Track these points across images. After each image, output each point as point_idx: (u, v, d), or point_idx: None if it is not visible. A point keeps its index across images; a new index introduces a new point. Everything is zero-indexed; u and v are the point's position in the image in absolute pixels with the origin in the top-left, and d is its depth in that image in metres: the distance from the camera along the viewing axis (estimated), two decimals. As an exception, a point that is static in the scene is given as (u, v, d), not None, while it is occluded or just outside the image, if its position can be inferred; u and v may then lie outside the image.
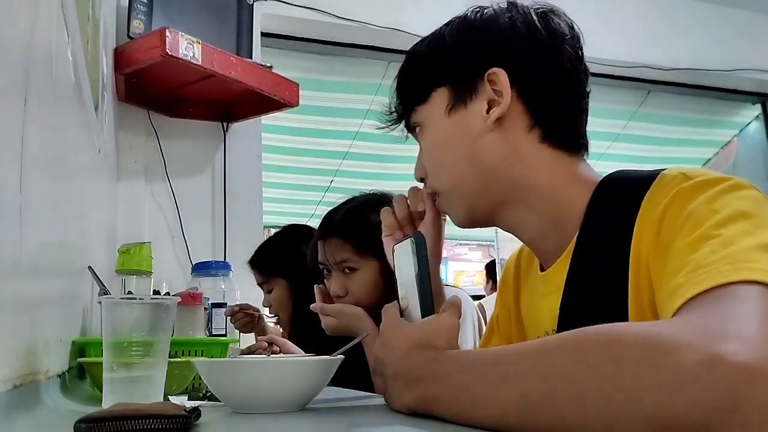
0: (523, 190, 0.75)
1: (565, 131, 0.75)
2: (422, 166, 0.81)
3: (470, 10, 0.77)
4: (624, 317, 0.63)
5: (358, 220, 1.36)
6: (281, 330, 1.81)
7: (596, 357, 0.43)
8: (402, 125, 0.84)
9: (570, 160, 0.75)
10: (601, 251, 0.67)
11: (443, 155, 0.78)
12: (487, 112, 0.73)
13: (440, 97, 0.77)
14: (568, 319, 0.69)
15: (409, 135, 0.85)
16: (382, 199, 1.39)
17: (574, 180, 0.74)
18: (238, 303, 1.74)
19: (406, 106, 0.81)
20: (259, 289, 1.86)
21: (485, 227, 0.81)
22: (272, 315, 1.81)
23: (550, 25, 0.74)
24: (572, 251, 0.71)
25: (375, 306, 1.34)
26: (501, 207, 0.77)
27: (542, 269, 0.78)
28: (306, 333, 1.63)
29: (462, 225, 0.80)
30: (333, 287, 1.37)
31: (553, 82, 0.74)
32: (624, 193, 0.67)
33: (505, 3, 0.76)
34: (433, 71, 0.78)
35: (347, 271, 1.35)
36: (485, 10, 0.76)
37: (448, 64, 0.76)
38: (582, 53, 0.76)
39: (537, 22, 0.74)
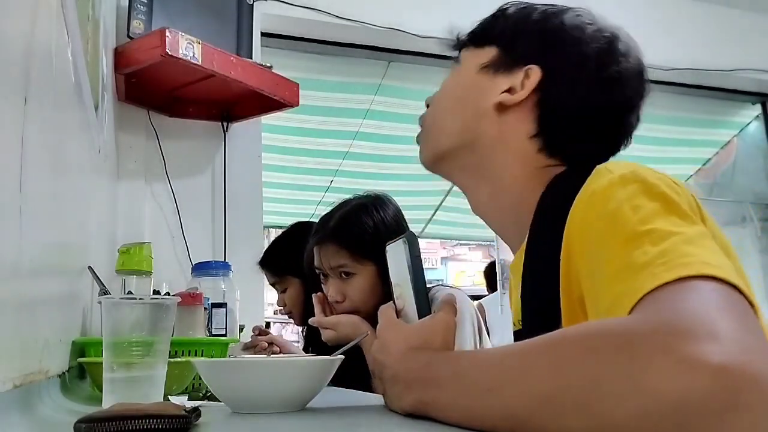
0: (494, 176, 0.76)
1: (568, 154, 0.74)
2: (435, 96, 0.84)
3: (569, 13, 0.77)
4: (558, 314, 0.62)
5: (353, 225, 1.35)
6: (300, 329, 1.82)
7: (574, 373, 0.42)
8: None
9: (557, 165, 0.74)
10: (544, 246, 0.67)
11: (449, 96, 0.81)
12: (502, 93, 0.75)
13: (489, 52, 0.78)
14: (525, 313, 0.69)
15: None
16: (376, 201, 1.39)
17: (543, 174, 0.73)
18: (271, 337, 1.72)
19: (466, 42, 0.83)
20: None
21: (446, 179, 0.84)
22: (287, 313, 1.82)
23: (610, 64, 0.73)
24: (526, 245, 0.71)
25: (374, 310, 1.34)
26: (469, 179, 0.79)
27: None
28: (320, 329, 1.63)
29: (423, 163, 0.83)
30: (331, 293, 1.36)
31: (579, 115, 0.73)
32: (565, 189, 0.66)
33: (582, 17, 0.76)
34: (497, 31, 0.79)
35: (344, 276, 1.35)
36: (584, 21, 0.76)
37: (510, 36, 0.78)
38: (630, 95, 0.75)
39: (603, 59, 0.73)
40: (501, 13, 0.80)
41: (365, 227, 1.35)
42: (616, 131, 0.77)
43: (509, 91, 0.75)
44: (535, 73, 0.73)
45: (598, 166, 0.64)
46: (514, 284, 0.77)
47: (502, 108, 0.75)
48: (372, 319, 1.34)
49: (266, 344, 1.61)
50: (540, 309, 0.65)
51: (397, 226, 1.37)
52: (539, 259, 0.67)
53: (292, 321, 1.85)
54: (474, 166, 0.77)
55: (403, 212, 1.44)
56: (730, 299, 0.44)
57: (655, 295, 0.46)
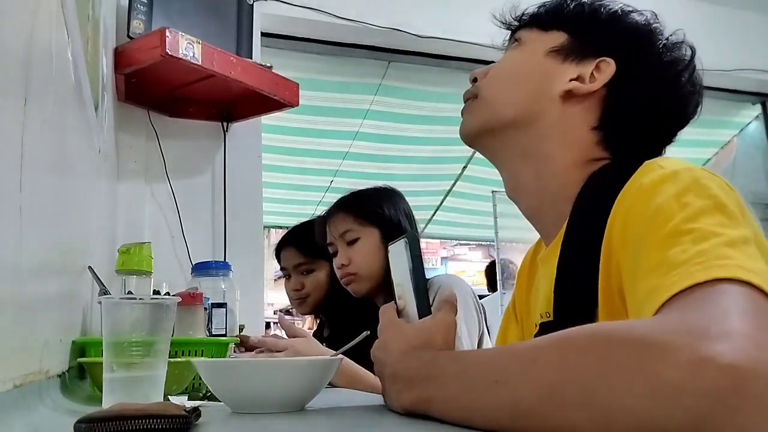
0: (543, 159, 0.76)
1: (623, 150, 0.75)
2: (485, 71, 0.83)
3: (646, 16, 0.78)
4: (596, 306, 0.62)
5: (360, 195, 1.49)
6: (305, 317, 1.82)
7: (584, 365, 0.42)
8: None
9: (604, 159, 0.75)
10: (583, 238, 0.67)
11: (512, 74, 0.79)
12: (570, 81, 0.75)
13: (556, 37, 0.78)
14: (560, 305, 0.69)
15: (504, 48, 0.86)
16: (389, 190, 1.52)
17: (589, 165, 0.74)
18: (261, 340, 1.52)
19: (527, 23, 0.82)
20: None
21: (484, 154, 0.83)
22: (300, 298, 1.79)
23: (683, 78, 0.75)
24: (563, 235, 0.71)
25: (377, 273, 1.42)
26: (514, 157, 0.78)
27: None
28: (342, 317, 1.62)
29: (467, 134, 0.81)
30: (337, 260, 1.47)
31: (643, 118, 0.74)
32: (609, 181, 0.66)
33: (679, 37, 0.78)
34: (568, 17, 0.79)
35: (350, 242, 1.45)
36: (659, 26, 0.78)
37: (586, 23, 0.77)
38: (690, 106, 0.76)
39: (678, 70, 0.75)
40: (571, 1, 0.80)
41: (371, 198, 1.48)
42: (666, 139, 0.78)
43: (578, 79, 0.74)
44: (609, 66, 0.74)
45: (648, 161, 0.64)
46: (543, 274, 0.77)
47: (568, 95, 0.75)
48: (374, 281, 1.41)
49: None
50: (576, 298, 0.65)
51: (403, 218, 1.47)
52: (579, 248, 0.67)
53: (296, 308, 1.85)
54: (523, 146, 0.77)
55: None
56: (758, 305, 0.44)
57: (684, 295, 0.46)
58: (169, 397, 0.81)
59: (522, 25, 0.82)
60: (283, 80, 2.08)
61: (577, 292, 0.66)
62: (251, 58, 2.08)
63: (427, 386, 0.56)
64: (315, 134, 3.43)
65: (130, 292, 1.29)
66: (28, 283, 0.68)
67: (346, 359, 1.14)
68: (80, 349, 0.99)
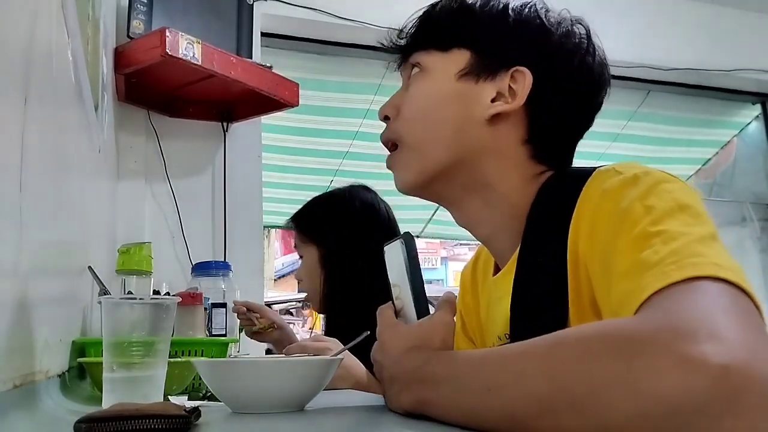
0: (487, 186, 0.73)
1: (557, 156, 0.74)
2: (395, 106, 0.76)
3: (534, 4, 0.73)
4: (566, 318, 0.62)
5: (306, 210, 1.48)
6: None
7: (573, 375, 0.42)
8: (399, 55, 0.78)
9: (547, 171, 0.74)
10: (543, 252, 0.66)
11: (431, 111, 0.73)
12: (492, 101, 0.71)
13: (460, 56, 0.72)
14: (518, 323, 0.68)
15: (397, 69, 0.79)
16: (346, 191, 1.47)
17: (535, 179, 0.72)
18: (247, 303, 1.54)
19: (421, 42, 0.76)
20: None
21: (427, 200, 0.78)
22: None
23: (589, 59, 0.72)
24: (518, 253, 0.70)
25: (317, 293, 1.41)
26: (460, 193, 0.74)
27: (497, 271, 0.77)
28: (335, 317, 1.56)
29: (405, 187, 0.76)
30: (296, 274, 1.50)
31: (567, 114, 0.73)
32: (562, 192, 0.65)
33: (569, 20, 0.73)
34: (469, 30, 0.73)
35: (300, 257, 1.47)
36: (550, 15, 0.73)
37: (486, 35, 0.72)
38: (605, 86, 0.74)
39: (583, 55, 0.72)
40: (460, 11, 0.74)
41: (315, 212, 1.45)
42: (588, 125, 0.76)
43: (498, 97, 0.71)
44: (525, 76, 0.70)
45: (601, 168, 0.64)
46: (500, 294, 0.74)
47: (494, 119, 0.71)
48: (319, 300, 1.41)
49: (244, 309, 1.53)
50: (542, 317, 0.64)
51: (365, 216, 1.42)
52: (539, 264, 0.66)
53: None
54: (466, 180, 0.73)
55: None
56: (737, 301, 0.44)
57: (662, 294, 0.46)
58: (169, 397, 0.81)
59: (414, 47, 0.76)
60: (283, 80, 2.08)
61: (540, 309, 0.65)
62: (251, 58, 2.08)
63: (423, 389, 0.56)
64: (315, 134, 3.43)
65: (130, 292, 1.29)
66: (28, 283, 0.68)
67: (357, 365, 1.12)
68: (80, 349, 0.99)
